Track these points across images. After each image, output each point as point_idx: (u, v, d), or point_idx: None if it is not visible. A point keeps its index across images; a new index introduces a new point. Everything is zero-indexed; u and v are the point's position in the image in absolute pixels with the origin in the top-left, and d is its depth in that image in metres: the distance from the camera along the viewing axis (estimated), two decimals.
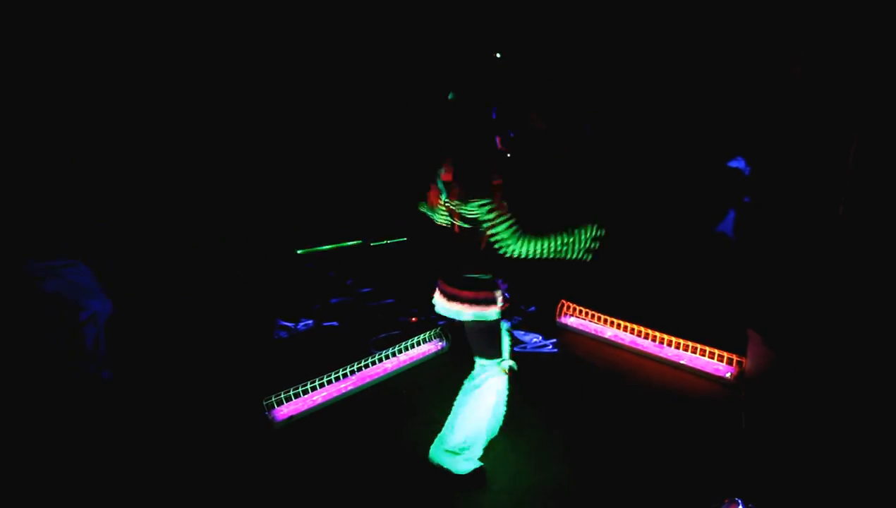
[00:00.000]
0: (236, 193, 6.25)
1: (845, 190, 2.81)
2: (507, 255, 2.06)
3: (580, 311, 3.89)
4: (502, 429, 2.49)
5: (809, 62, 2.89)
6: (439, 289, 2.23)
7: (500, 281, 2.19)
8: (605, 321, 3.70)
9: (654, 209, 5.64)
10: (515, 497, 2.15)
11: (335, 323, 4.11)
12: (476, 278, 2.13)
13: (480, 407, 2.22)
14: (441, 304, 2.21)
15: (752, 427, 2.55)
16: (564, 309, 3.96)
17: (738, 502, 1.95)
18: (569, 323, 3.86)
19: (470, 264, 2.14)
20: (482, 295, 2.11)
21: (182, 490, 2.28)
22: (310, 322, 4.09)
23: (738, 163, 4.30)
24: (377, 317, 4.24)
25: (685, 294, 4.34)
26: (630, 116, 5.73)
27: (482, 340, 2.19)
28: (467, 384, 2.27)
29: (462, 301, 2.12)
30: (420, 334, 3.49)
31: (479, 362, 2.24)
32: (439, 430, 2.36)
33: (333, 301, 4.63)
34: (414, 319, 4.16)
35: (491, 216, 1.99)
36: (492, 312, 2.12)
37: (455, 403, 2.28)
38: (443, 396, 2.94)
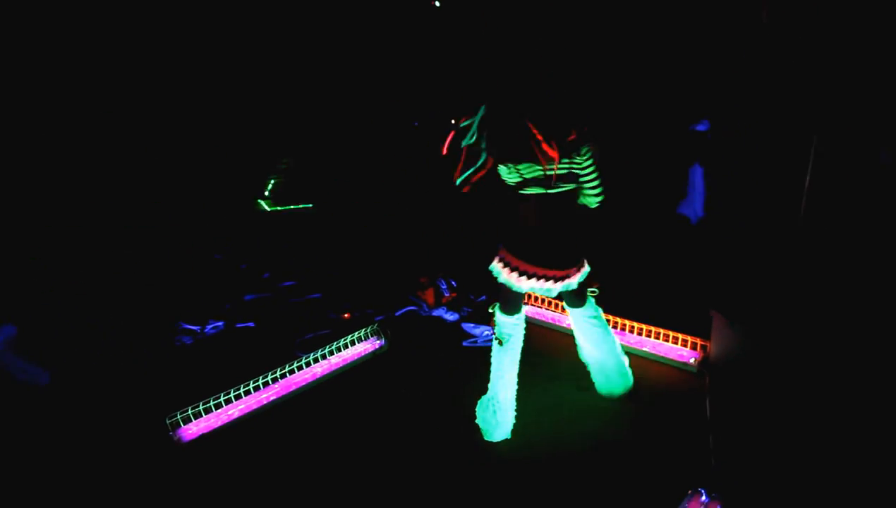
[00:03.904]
0: (117, 174, 6.16)
1: (811, 167, 3.10)
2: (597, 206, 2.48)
3: (536, 299, 4.05)
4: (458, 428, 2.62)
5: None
6: (529, 272, 2.45)
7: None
8: (563, 309, 3.88)
9: (611, 185, 5.91)
10: (474, 497, 2.25)
11: (251, 324, 4.07)
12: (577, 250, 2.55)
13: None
14: (539, 286, 2.47)
15: (717, 413, 2.80)
16: None
17: (701, 492, 2.12)
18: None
19: (568, 235, 2.47)
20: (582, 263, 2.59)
21: None
22: (220, 324, 4.03)
23: (702, 127, 4.58)
24: (302, 315, 4.23)
25: (645, 276, 4.62)
26: (585, 82, 5.94)
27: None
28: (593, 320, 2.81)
29: (569, 276, 2.52)
30: (354, 332, 3.52)
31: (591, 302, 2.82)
32: (378, 441, 2.53)
33: (248, 298, 4.58)
34: (347, 315, 4.17)
35: (592, 164, 2.33)
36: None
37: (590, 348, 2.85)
38: (383, 401, 3.00)
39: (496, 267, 2.52)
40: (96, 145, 6.05)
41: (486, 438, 2.61)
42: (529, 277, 2.45)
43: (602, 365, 2.89)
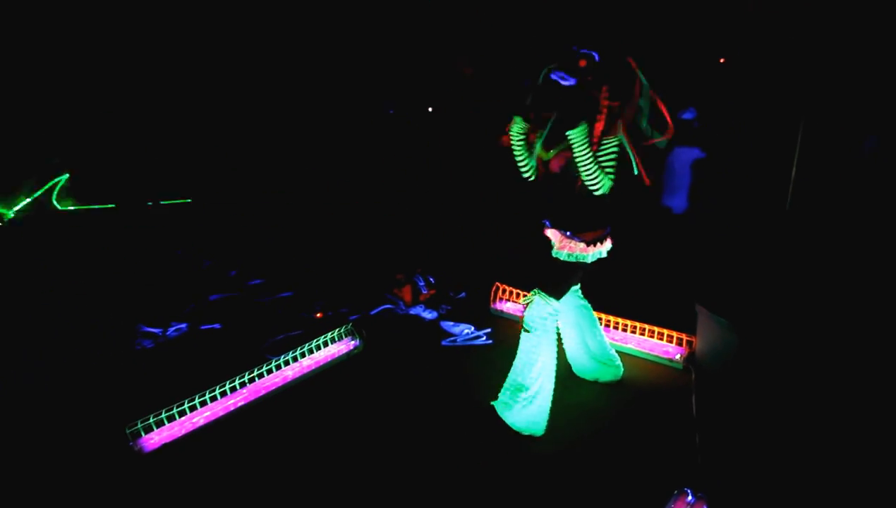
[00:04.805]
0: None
1: (797, 158, 3.18)
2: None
3: (518, 295, 4.06)
4: (436, 429, 2.60)
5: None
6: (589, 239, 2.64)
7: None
8: None
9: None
10: (453, 498, 2.25)
11: (216, 326, 4.01)
12: None
13: None
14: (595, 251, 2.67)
15: (703, 411, 2.85)
16: (500, 293, 4.11)
17: (687, 492, 2.15)
18: (505, 310, 4.01)
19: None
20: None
21: None
22: (182, 326, 3.97)
23: (689, 115, 4.63)
24: (271, 315, 4.20)
25: (631, 273, 4.68)
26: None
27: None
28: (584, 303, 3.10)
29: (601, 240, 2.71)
30: (327, 332, 3.49)
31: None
32: (352, 447, 2.53)
33: (213, 298, 4.53)
34: (319, 314, 4.14)
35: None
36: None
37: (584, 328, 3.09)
38: (357, 405, 2.98)
39: (580, 252, 2.62)
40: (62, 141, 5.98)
41: (537, 434, 2.65)
42: (592, 244, 2.64)
43: (593, 350, 3.13)
